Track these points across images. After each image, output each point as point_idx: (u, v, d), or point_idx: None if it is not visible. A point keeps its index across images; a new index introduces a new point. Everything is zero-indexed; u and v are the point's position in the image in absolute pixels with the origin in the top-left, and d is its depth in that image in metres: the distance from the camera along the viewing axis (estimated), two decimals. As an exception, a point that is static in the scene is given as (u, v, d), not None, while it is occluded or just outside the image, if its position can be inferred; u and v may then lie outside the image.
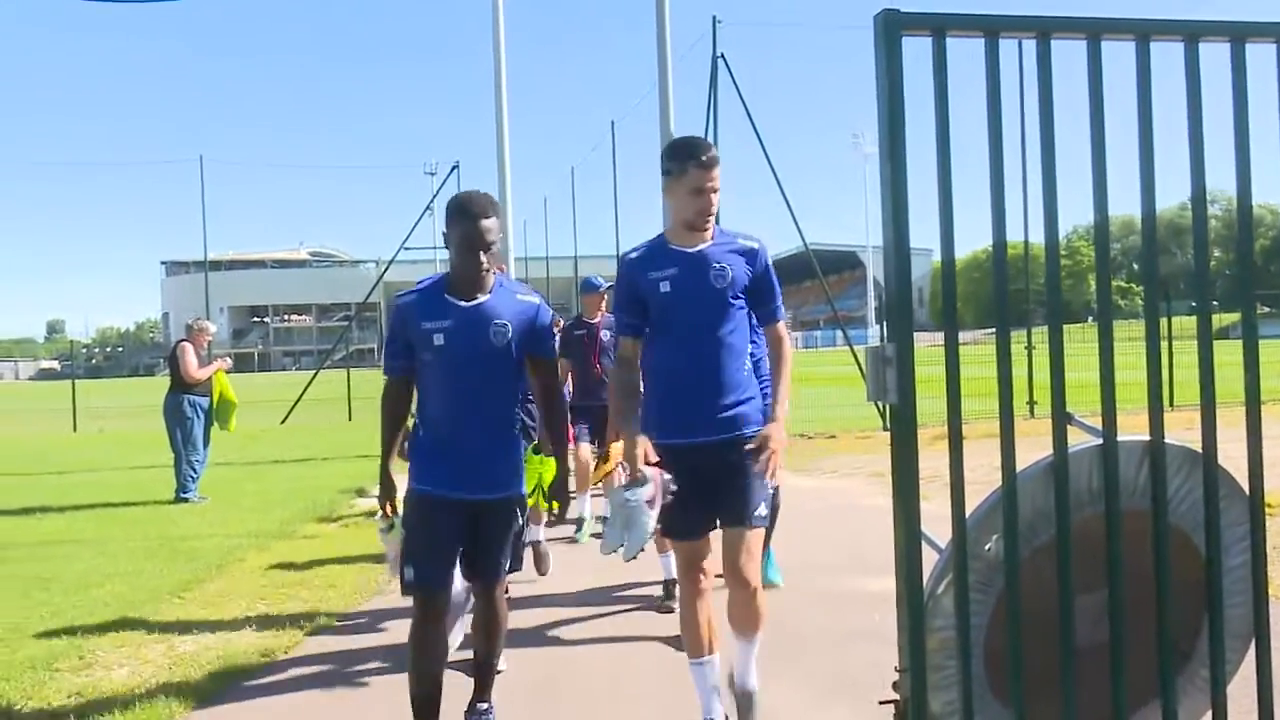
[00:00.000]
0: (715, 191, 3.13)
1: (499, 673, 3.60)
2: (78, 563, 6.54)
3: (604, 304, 6.94)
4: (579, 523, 6.96)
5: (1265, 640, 2.43)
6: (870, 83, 2.21)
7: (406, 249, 21.64)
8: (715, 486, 3.10)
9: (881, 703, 2.37)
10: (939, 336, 2.38)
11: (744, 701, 3.20)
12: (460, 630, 4.15)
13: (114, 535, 7.56)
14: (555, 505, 3.74)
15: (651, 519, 3.04)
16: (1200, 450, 2.41)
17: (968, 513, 2.26)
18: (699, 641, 3.17)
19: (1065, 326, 2.38)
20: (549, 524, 6.28)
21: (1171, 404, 11.50)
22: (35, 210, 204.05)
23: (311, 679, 4.14)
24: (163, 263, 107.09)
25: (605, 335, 6.75)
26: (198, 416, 9.36)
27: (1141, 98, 2.34)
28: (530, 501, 3.61)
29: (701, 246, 3.17)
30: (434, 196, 24.75)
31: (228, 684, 4.07)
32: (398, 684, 3.80)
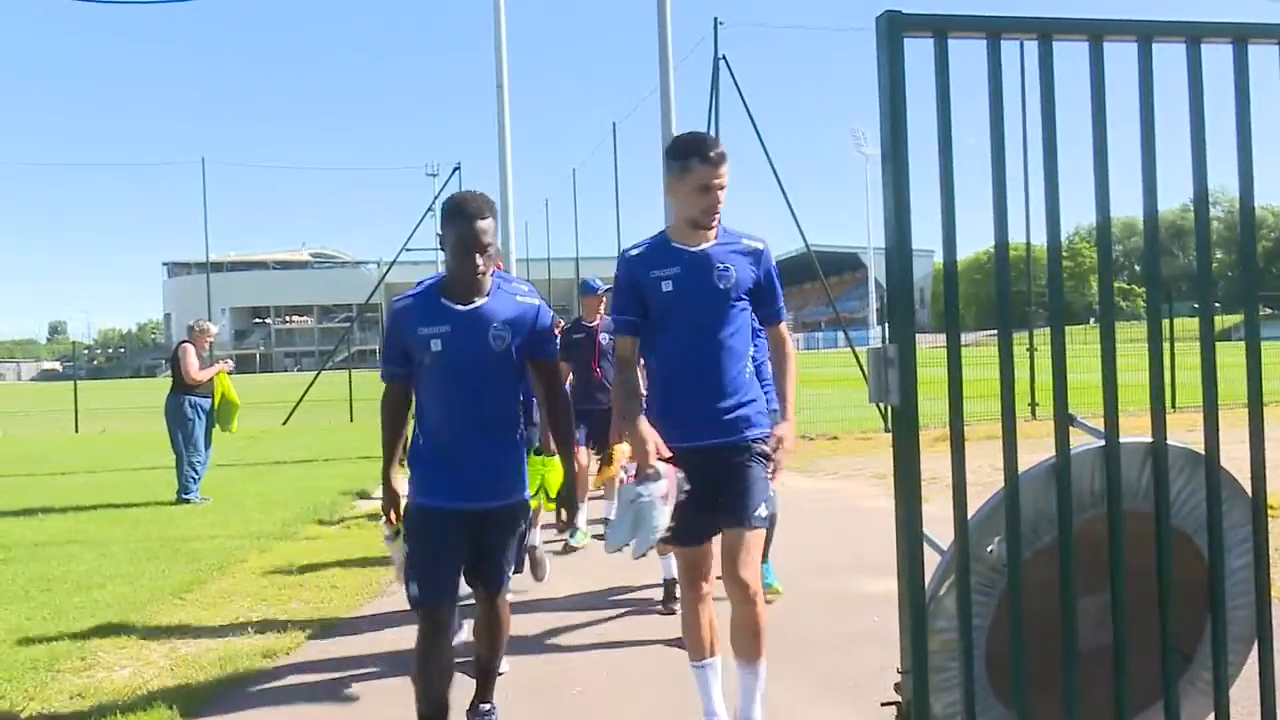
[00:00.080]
0: (722, 189, 3.04)
1: (500, 674, 3.59)
2: (79, 564, 6.54)
3: (603, 306, 6.89)
4: (571, 528, 6.93)
5: (1268, 642, 2.42)
6: (872, 84, 2.21)
7: (408, 250, 21.66)
8: (717, 490, 3.04)
9: (883, 704, 2.37)
10: (941, 338, 2.38)
11: None
12: (462, 632, 4.15)
13: (116, 536, 7.56)
14: (564, 512, 3.51)
15: (665, 515, 2.94)
16: (1202, 452, 2.40)
17: (970, 514, 2.26)
18: (700, 643, 3.14)
19: (1067, 328, 2.38)
20: (561, 527, 6.14)
21: (1174, 405, 11.50)
22: (37, 211, 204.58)
23: (313, 681, 4.14)
24: (164, 264, 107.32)
25: (604, 339, 6.72)
26: (199, 418, 9.37)
27: (1144, 99, 2.34)
28: (534, 504, 3.59)
29: (705, 246, 3.10)
30: (435, 198, 24.74)
31: (229, 685, 4.07)
32: (399, 686, 3.81)
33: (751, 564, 3.04)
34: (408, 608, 3.21)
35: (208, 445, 9.54)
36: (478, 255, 2.97)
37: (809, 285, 73.01)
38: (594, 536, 6.71)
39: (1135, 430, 2.41)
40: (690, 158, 3.03)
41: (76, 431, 20.54)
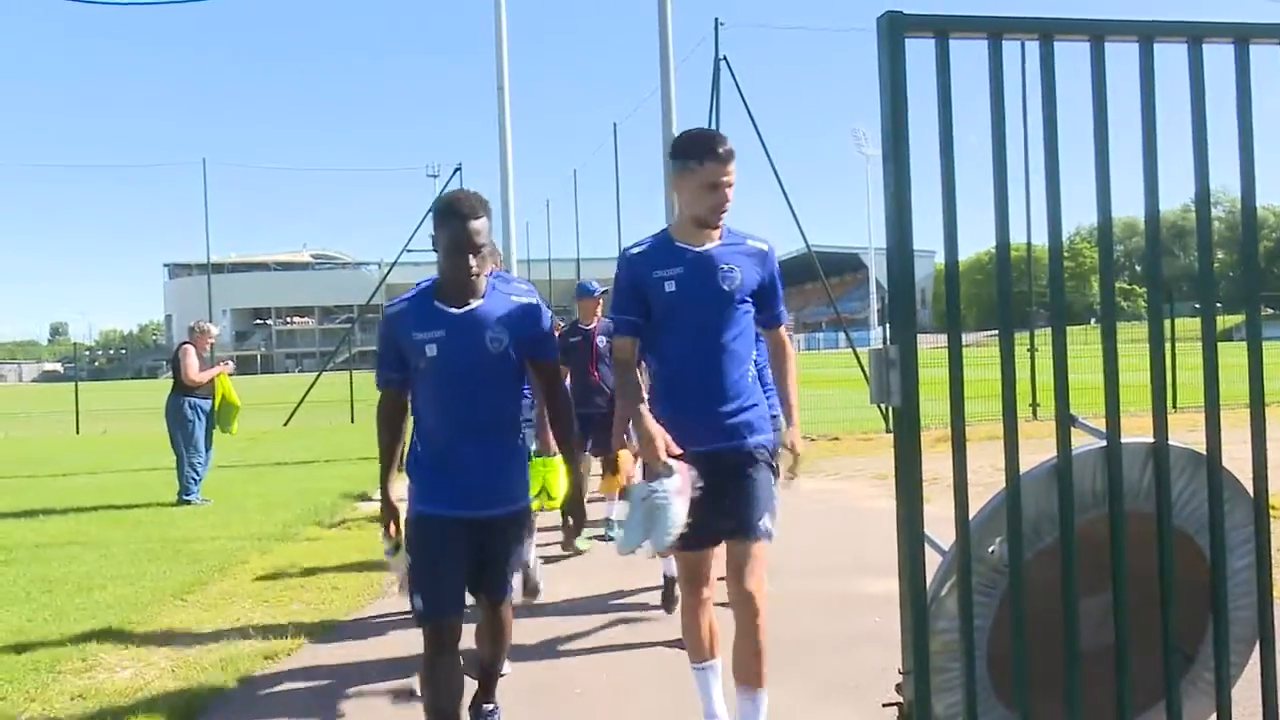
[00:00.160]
0: (730, 186, 2.96)
1: (502, 675, 3.59)
2: (80, 565, 6.54)
3: (599, 309, 6.84)
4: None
5: (1270, 643, 2.42)
6: (873, 84, 2.20)
7: (409, 251, 21.64)
8: (719, 497, 2.96)
9: (885, 705, 2.37)
10: (942, 338, 2.38)
11: None
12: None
13: (117, 538, 7.56)
14: (571, 521, 3.41)
15: (682, 511, 2.84)
16: (1204, 452, 2.40)
17: (971, 515, 2.25)
18: (701, 646, 3.11)
19: (1068, 328, 2.38)
20: (567, 538, 5.99)
21: (1175, 406, 11.48)
22: (38, 213, 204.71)
23: (314, 682, 4.14)
24: (165, 265, 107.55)
25: (601, 342, 6.65)
26: (199, 419, 9.37)
27: (1145, 99, 2.34)
28: (535, 505, 3.57)
29: (709, 246, 3.02)
30: (436, 199, 24.72)
31: (230, 686, 4.07)
32: (401, 688, 3.81)
33: (757, 577, 2.97)
34: (409, 609, 3.17)
35: (208, 446, 9.54)
36: (471, 256, 2.88)
37: (810, 286, 73.01)
38: (593, 538, 6.70)
39: (1137, 430, 2.40)
40: (699, 154, 2.95)
41: (77, 433, 20.55)
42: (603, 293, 6.82)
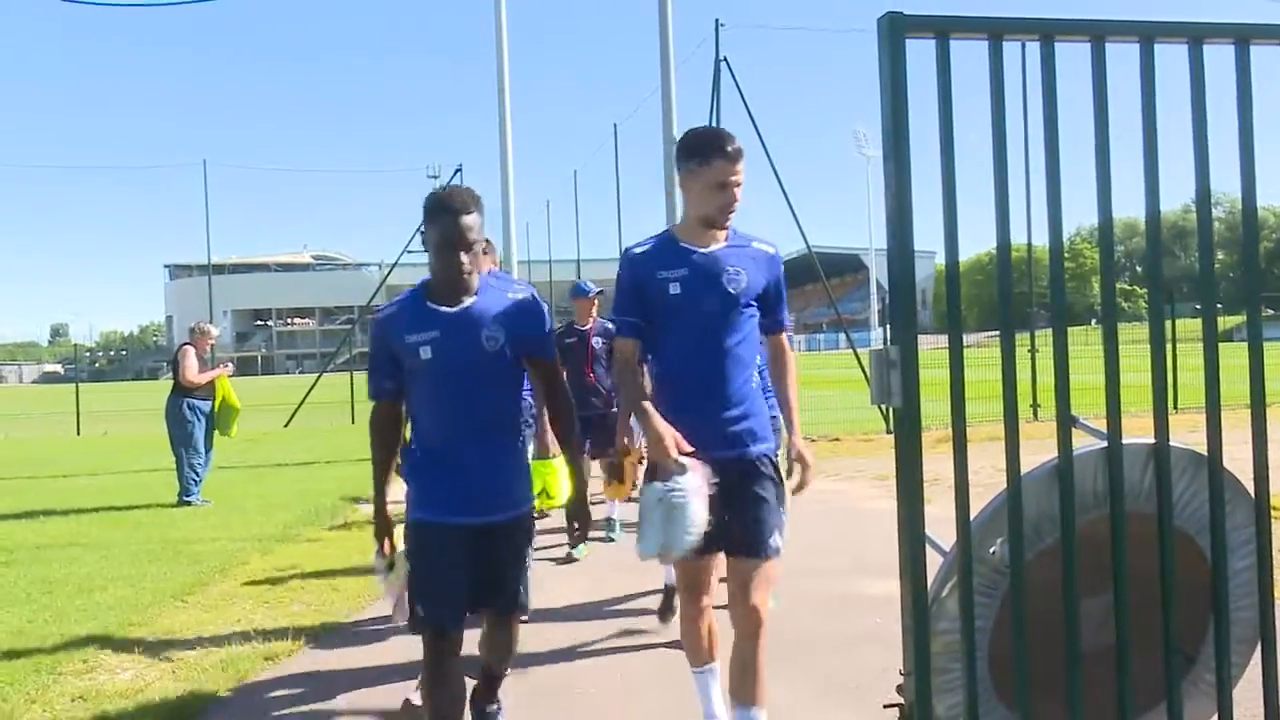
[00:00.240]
0: (739, 186, 2.89)
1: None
2: (81, 566, 6.55)
3: (595, 310, 6.80)
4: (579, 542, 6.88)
5: (1271, 644, 2.42)
6: (873, 85, 2.20)
7: (409, 252, 21.63)
8: (720, 507, 2.87)
9: (886, 706, 2.37)
10: (943, 339, 2.38)
11: None
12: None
13: (117, 539, 7.56)
14: (576, 525, 3.37)
15: (701, 510, 2.75)
16: (1205, 453, 2.40)
17: (972, 516, 2.25)
18: (700, 650, 3.09)
19: (1069, 329, 2.38)
20: (572, 543, 6.05)
21: (1176, 407, 11.48)
22: (38, 213, 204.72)
23: (314, 683, 4.14)
24: (166, 266, 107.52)
25: (598, 343, 6.61)
26: (198, 420, 9.36)
27: (1146, 100, 2.34)
28: (535, 505, 3.56)
29: (715, 247, 2.94)
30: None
31: (231, 687, 4.07)
32: (401, 689, 3.80)
33: (763, 593, 2.90)
34: (405, 624, 3.05)
35: (208, 448, 9.53)
36: (463, 253, 2.79)
37: (810, 287, 72.96)
38: (590, 541, 6.70)
39: (1138, 431, 2.40)
40: (707, 152, 2.88)
41: (78, 434, 20.57)
42: (598, 293, 6.80)
